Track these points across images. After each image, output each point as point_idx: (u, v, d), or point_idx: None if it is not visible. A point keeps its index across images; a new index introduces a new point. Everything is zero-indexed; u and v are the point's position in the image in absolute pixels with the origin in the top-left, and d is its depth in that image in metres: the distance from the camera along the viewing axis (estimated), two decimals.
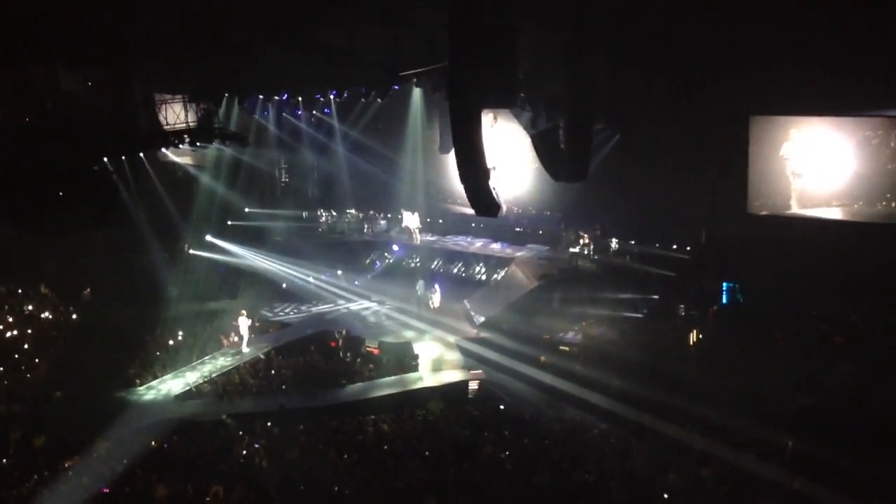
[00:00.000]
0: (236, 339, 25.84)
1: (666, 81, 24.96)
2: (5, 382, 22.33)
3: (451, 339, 25.57)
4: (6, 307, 25.97)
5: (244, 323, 25.71)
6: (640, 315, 25.38)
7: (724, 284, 25.02)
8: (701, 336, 23.66)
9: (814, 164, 25.71)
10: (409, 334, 26.34)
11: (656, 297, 26.04)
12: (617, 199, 28.43)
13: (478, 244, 32.86)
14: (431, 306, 28.04)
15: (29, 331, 25.05)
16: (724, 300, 25.05)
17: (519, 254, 31.05)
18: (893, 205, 24.79)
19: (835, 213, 25.55)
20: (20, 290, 27.17)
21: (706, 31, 22.38)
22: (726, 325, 24.00)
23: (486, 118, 26.89)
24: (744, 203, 26.15)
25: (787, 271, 23.60)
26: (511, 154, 29.55)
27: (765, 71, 22.81)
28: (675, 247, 28.06)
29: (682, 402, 19.52)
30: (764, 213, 26.17)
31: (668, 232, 28.25)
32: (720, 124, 25.72)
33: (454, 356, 24.69)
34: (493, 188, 17.77)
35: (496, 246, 32.38)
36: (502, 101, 20.39)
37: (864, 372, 20.30)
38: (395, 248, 33.33)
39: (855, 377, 20.21)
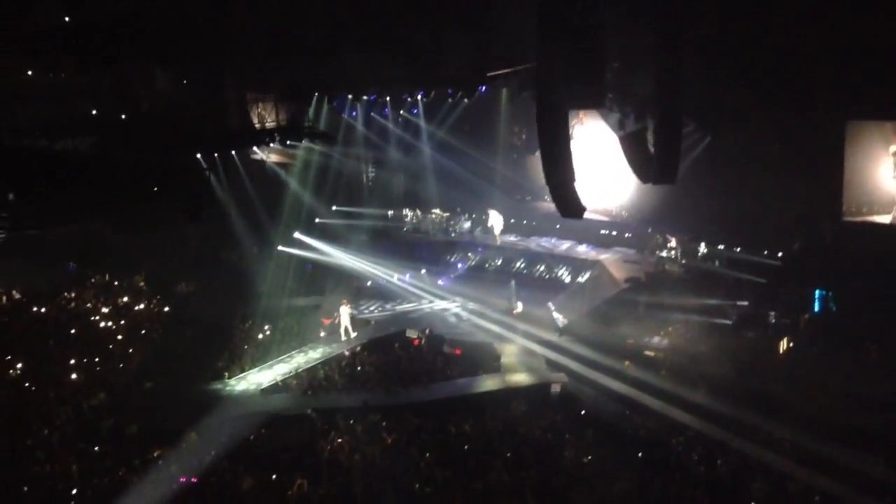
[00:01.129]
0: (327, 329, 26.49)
1: (759, 82, 24.38)
2: (98, 370, 22.98)
3: (534, 341, 25.41)
4: (102, 298, 26.81)
5: (345, 312, 26.25)
6: (728, 322, 24.84)
7: (817, 292, 24.34)
8: (792, 345, 23.08)
9: None
10: (491, 335, 26.29)
11: (746, 303, 25.44)
12: (706, 203, 27.93)
13: (563, 246, 32.59)
14: (516, 310, 27.92)
15: (123, 322, 25.78)
16: (817, 308, 24.37)
17: (604, 256, 30.71)
18: None
19: None
20: (116, 282, 28.01)
21: (802, 32, 21.85)
22: (818, 334, 23.37)
23: (572, 118, 26.86)
24: (838, 209, 25.42)
25: (882, 280, 22.86)
26: (603, 156, 29.30)
27: (863, 74, 22.12)
28: (766, 252, 27.31)
29: (770, 411, 19.12)
30: (859, 219, 25.38)
31: (758, 237, 27.57)
32: (815, 128, 25.07)
33: (536, 358, 24.53)
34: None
35: (582, 248, 32.04)
36: (590, 101, 20.16)
37: None
38: (480, 247, 33.34)
39: None
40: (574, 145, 17.61)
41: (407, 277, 31.29)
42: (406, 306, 29.42)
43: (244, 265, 29.86)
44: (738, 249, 28.02)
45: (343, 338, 25.87)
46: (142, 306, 27.05)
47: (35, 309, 25.56)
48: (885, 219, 25.27)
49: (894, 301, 22.55)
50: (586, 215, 18.46)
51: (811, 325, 23.81)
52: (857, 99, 23.50)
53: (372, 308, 29.25)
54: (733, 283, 26.66)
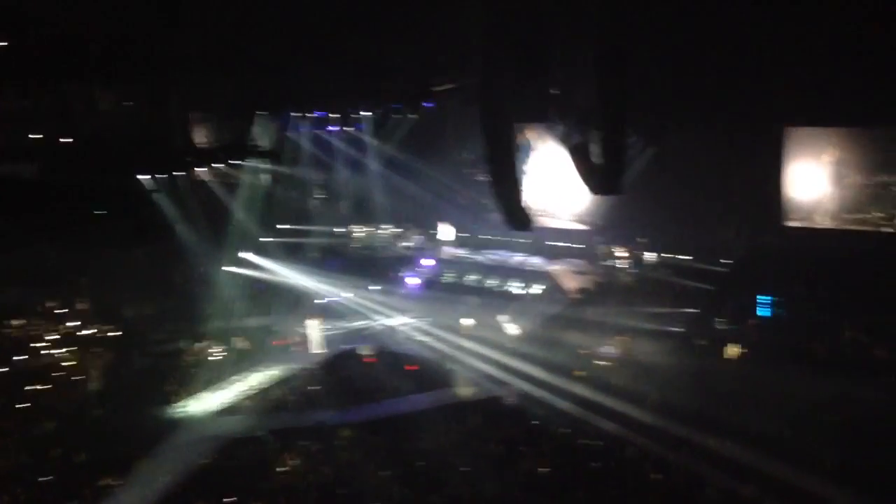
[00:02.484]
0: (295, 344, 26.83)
1: (699, 92, 24.79)
2: (45, 398, 22.56)
3: (487, 354, 25.46)
4: (47, 324, 26.32)
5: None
6: (678, 329, 25.18)
7: (763, 297, 24.77)
8: (741, 350, 23.44)
9: (850, 176, 25.44)
10: (444, 350, 26.29)
11: (694, 310, 25.82)
12: (653, 212, 28.27)
13: (515, 259, 32.74)
14: (467, 324, 27.92)
15: (71, 348, 25.34)
16: (763, 313, 24.78)
17: (555, 268, 30.90)
18: None
19: (873, 225, 25.27)
20: (63, 308, 27.53)
21: (741, 41, 22.24)
22: (765, 338, 23.77)
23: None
24: (780, 215, 25.92)
25: (826, 283, 23.39)
26: (555, 167, 29.48)
27: (801, 81, 22.62)
28: (712, 259, 27.75)
29: (720, 416, 19.37)
30: (801, 224, 25.90)
31: (704, 244, 27.99)
32: (755, 135, 25.55)
33: (490, 371, 24.55)
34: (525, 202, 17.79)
35: (534, 260, 32.21)
36: (535, 115, 20.34)
37: None
38: (430, 262, 33.32)
39: None
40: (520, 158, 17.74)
41: (358, 294, 31.15)
42: (358, 324, 29.31)
43: (193, 287, 29.51)
44: (687, 257, 28.42)
45: (312, 352, 26.04)
46: (90, 331, 26.61)
47: None
48: (824, 223, 25.82)
49: (837, 303, 23.10)
50: (554, 223, 18.50)
51: (759, 330, 24.20)
52: (795, 106, 23.99)
53: (324, 326, 29.07)
54: (682, 290, 27.03)
